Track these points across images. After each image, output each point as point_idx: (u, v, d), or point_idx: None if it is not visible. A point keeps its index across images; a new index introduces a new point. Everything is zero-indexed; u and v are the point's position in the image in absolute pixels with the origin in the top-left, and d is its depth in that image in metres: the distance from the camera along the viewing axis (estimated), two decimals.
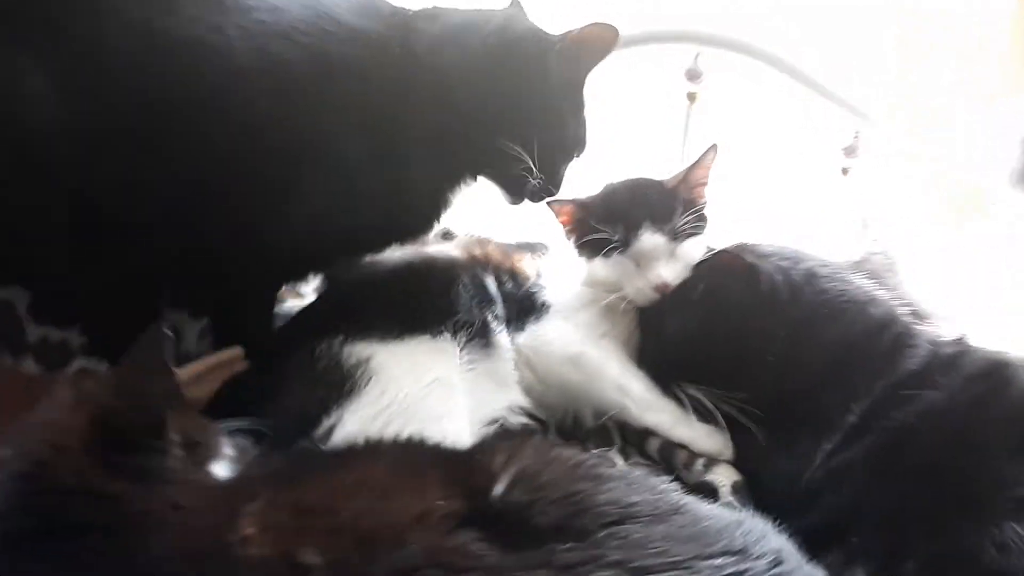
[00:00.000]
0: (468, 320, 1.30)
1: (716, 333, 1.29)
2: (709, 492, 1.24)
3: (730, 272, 1.27)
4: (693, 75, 1.64)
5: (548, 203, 1.39)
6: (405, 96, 1.24)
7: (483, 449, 0.95)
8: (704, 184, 1.42)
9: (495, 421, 1.29)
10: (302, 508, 0.84)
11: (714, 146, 1.41)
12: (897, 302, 1.31)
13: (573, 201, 1.41)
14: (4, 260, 1.26)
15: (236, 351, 1.32)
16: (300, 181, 1.22)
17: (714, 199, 1.43)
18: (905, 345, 1.22)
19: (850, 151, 1.55)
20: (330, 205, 1.24)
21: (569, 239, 1.42)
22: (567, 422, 1.39)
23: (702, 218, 1.40)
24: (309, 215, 1.23)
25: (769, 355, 1.25)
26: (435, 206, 1.34)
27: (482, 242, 1.49)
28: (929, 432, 1.12)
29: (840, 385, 1.21)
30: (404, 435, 1.14)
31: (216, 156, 1.18)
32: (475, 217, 1.64)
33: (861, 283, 1.32)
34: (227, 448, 0.97)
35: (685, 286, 1.34)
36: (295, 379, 1.21)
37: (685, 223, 1.35)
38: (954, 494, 1.06)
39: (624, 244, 1.35)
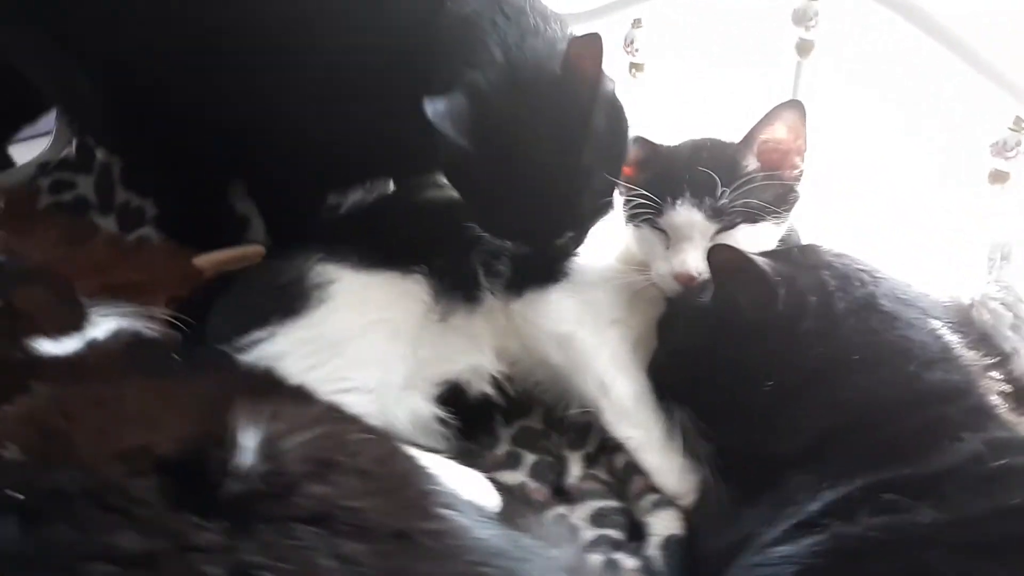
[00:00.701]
0: (452, 268, 1.17)
1: (713, 350, 1.01)
2: (643, 536, 1.01)
3: (736, 278, 0.97)
4: (801, 18, 1.23)
5: None
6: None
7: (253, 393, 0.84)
8: (782, 151, 1.09)
9: (450, 381, 1.16)
10: (62, 407, 0.83)
11: (795, 102, 1.07)
12: (994, 374, 0.91)
13: (641, 138, 1.16)
14: (108, 131, 1.41)
15: (258, 249, 1.35)
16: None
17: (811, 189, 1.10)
18: (947, 435, 0.84)
19: (1003, 148, 1.05)
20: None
21: (621, 192, 1.18)
22: (558, 408, 1.20)
23: (783, 198, 1.09)
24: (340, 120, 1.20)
25: (761, 395, 0.95)
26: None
27: None
28: (895, 564, 0.77)
29: (827, 460, 0.88)
30: (326, 369, 1.10)
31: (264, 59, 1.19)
32: None
33: (943, 334, 0.93)
34: (91, 328, 0.99)
35: (702, 284, 1.06)
36: (256, 283, 1.19)
37: (739, 199, 1.05)
38: None
39: (658, 213, 1.10)
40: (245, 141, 1.27)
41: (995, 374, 0.91)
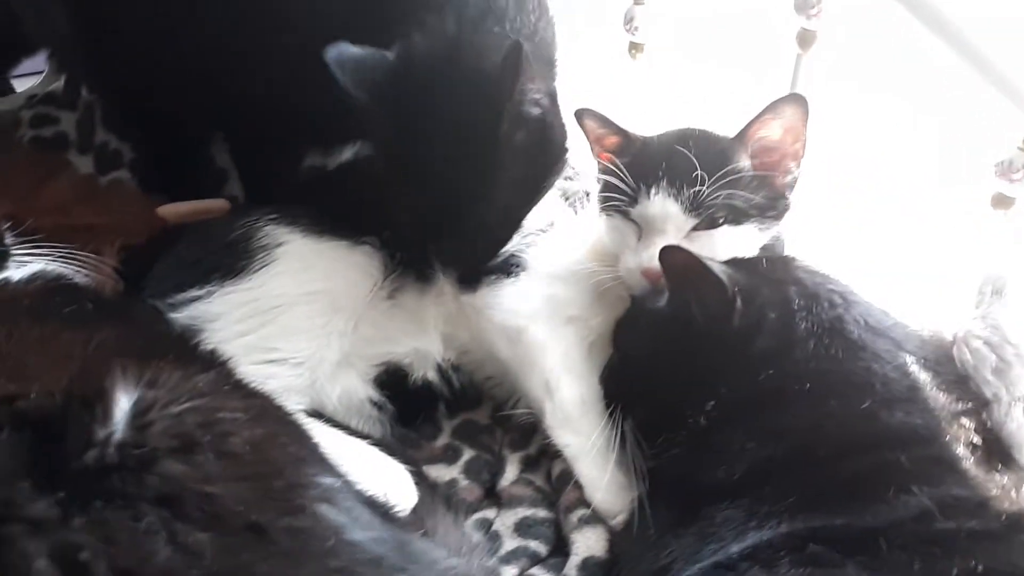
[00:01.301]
0: (405, 243, 1.10)
1: (659, 359, 0.92)
2: (563, 552, 0.93)
3: (691, 283, 0.88)
4: (803, 5, 1.07)
5: (580, 112, 1.06)
6: None
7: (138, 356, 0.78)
8: (777, 153, 0.98)
9: (391, 364, 1.09)
10: None
11: (798, 97, 0.96)
12: (965, 422, 0.81)
13: (611, 123, 1.05)
14: (88, 71, 1.37)
15: (223, 203, 1.30)
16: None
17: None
18: (895, 484, 0.75)
19: (1008, 170, 0.91)
20: None
21: (598, 179, 1.08)
22: (508, 404, 1.12)
23: (772, 204, 0.99)
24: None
25: (702, 415, 0.86)
26: None
27: None
28: None
29: (759, 494, 0.79)
30: (256, 336, 1.04)
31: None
32: None
33: (912, 371, 0.83)
34: (8, 269, 0.95)
35: (660, 288, 0.97)
36: (203, 238, 1.13)
37: (721, 195, 0.95)
38: None
39: (632, 202, 1.00)
40: (223, 91, 1.22)
41: (966, 422, 0.81)
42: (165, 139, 1.37)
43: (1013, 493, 0.77)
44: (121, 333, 0.87)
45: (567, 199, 1.19)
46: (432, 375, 1.10)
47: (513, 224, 1.07)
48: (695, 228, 0.97)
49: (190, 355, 0.87)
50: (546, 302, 1.07)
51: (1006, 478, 0.78)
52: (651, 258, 0.98)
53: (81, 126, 1.45)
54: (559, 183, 1.24)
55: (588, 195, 1.18)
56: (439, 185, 0.99)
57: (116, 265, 1.15)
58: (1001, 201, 0.94)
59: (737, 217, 0.97)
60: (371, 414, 1.07)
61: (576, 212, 1.17)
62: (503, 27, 1.01)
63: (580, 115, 1.06)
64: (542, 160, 1.04)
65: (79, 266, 1.03)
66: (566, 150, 1.07)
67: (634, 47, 1.26)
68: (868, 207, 1.16)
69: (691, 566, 0.79)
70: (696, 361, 0.88)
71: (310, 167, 1.30)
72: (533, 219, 1.14)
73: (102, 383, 0.73)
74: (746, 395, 0.84)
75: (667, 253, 0.88)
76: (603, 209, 1.05)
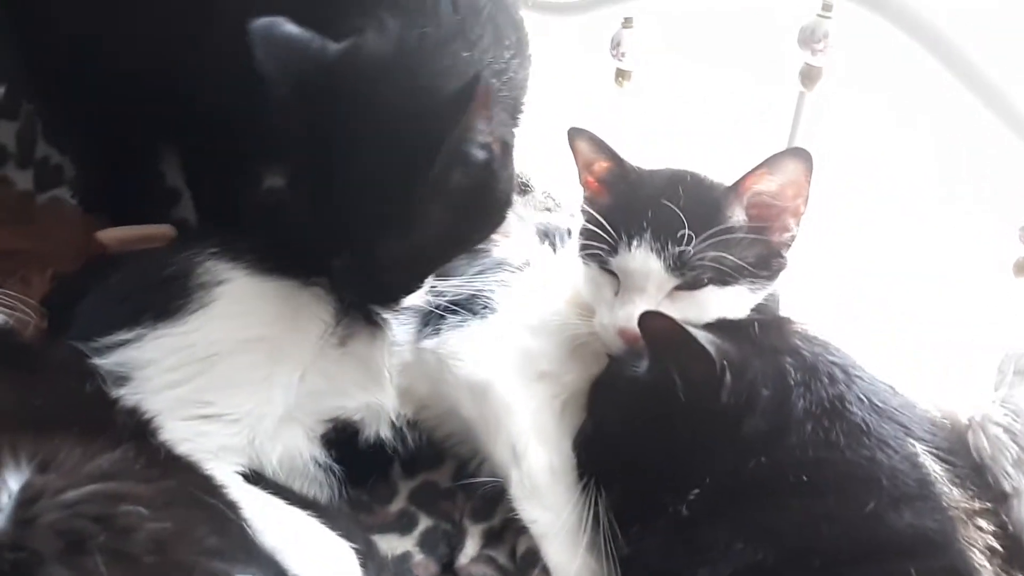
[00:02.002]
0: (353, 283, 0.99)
1: (637, 435, 0.82)
2: None
3: (675, 353, 0.78)
4: (809, 39, 0.94)
5: (573, 131, 0.96)
6: None
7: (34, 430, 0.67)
8: (775, 209, 0.88)
9: (342, 420, 0.98)
10: None
11: (802, 152, 0.86)
12: (982, 523, 0.71)
13: (604, 147, 0.94)
14: (29, 77, 1.27)
15: (168, 229, 1.19)
16: None
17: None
18: None
19: None
20: None
21: (582, 211, 0.97)
22: (472, 465, 1.02)
23: (766, 262, 0.89)
24: None
25: (684, 504, 0.76)
26: None
27: None
28: None
29: None
30: (188, 388, 0.93)
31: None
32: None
33: (923, 463, 0.73)
34: None
35: (640, 350, 0.86)
36: (137, 272, 1.02)
37: (710, 253, 0.85)
38: None
39: (611, 251, 0.90)
40: (176, 97, 1.11)
41: (983, 523, 0.72)
42: (111, 152, 1.26)
43: None
44: (23, 396, 0.76)
45: (546, 236, 1.09)
46: (386, 432, 1.00)
47: (421, 273, 0.96)
48: (678, 287, 0.88)
49: (101, 423, 0.76)
50: (516, 354, 0.97)
51: None
52: (628, 317, 0.88)
53: (21, 138, 1.34)
54: (540, 219, 1.15)
55: (569, 232, 1.09)
56: (351, 204, 0.88)
57: (44, 296, 1.05)
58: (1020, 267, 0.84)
59: (725, 278, 0.87)
60: (316, 476, 0.96)
61: (555, 251, 1.07)
62: (471, 55, 0.90)
63: (573, 135, 0.95)
64: (475, 210, 0.93)
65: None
66: (508, 206, 0.97)
67: (621, 74, 1.16)
68: (879, 259, 1.05)
69: None
70: (678, 440, 0.78)
71: (268, 189, 1.20)
72: (507, 256, 1.05)
73: None
74: (734, 485, 0.74)
75: (647, 319, 0.78)
76: (581, 255, 0.95)
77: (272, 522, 0.81)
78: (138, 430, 0.78)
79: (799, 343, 0.81)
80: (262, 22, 0.85)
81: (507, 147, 0.95)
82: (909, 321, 0.90)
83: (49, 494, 0.62)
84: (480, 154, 0.89)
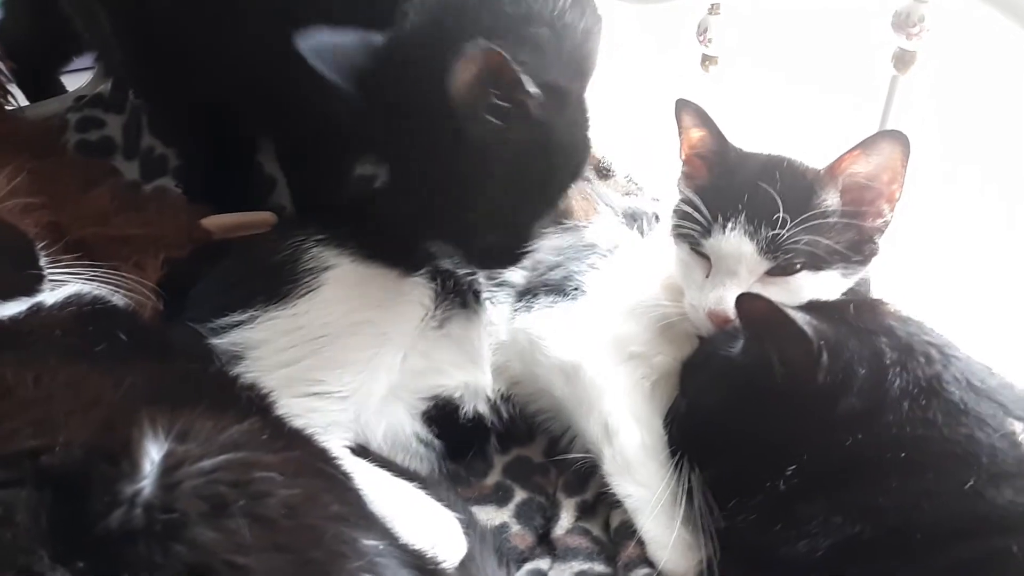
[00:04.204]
0: (454, 272, 1.03)
1: (734, 413, 0.84)
2: None
3: (772, 334, 0.79)
4: (904, 23, 0.93)
5: (681, 102, 0.97)
6: None
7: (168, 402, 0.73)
8: (877, 190, 0.89)
9: (441, 397, 1.02)
10: None
11: (898, 134, 0.86)
12: None
13: (709, 122, 0.96)
14: (132, 75, 1.33)
15: (268, 216, 1.25)
16: None
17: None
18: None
19: None
20: None
21: (678, 188, 1.00)
22: (563, 440, 1.05)
23: (858, 247, 0.90)
24: None
25: (781, 479, 0.78)
26: None
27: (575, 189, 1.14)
28: None
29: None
30: (299, 368, 0.99)
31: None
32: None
33: (1022, 441, 0.74)
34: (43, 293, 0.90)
35: (732, 331, 0.88)
36: (248, 258, 1.08)
37: (804, 237, 0.87)
38: None
39: (704, 233, 0.92)
40: (271, 92, 1.16)
41: None
42: (212, 144, 1.32)
43: None
44: (153, 373, 0.82)
45: (634, 220, 1.12)
46: (483, 408, 1.04)
47: (517, 227, 0.97)
48: (770, 272, 0.89)
49: (226, 399, 0.81)
50: (606, 335, 1.00)
51: None
52: (719, 300, 0.90)
53: (127, 130, 1.42)
54: (626, 203, 1.17)
55: (657, 217, 1.11)
56: (424, 186, 0.92)
57: (158, 280, 1.11)
58: None
59: (818, 263, 0.89)
60: (418, 450, 1.01)
61: (643, 235, 1.09)
62: (516, 9, 0.90)
63: (680, 106, 0.97)
64: (536, 164, 0.92)
65: (117, 286, 0.99)
66: (580, 153, 0.97)
67: (707, 59, 1.17)
68: (972, 244, 1.05)
69: None
70: (775, 419, 0.80)
71: (360, 177, 1.24)
72: (597, 239, 1.08)
73: (129, 435, 0.68)
74: (831, 462, 0.76)
75: (745, 300, 0.80)
76: (674, 235, 0.98)
77: (381, 492, 0.85)
78: (260, 405, 0.83)
79: (894, 323, 0.82)
80: (303, 39, 0.88)
81: (561, 95, 0.92)
82: (1001, 303, 0.90)
83: (190, 461, 0.67)
84: (500, 113, 0.87)
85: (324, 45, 0.89)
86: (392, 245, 1.04)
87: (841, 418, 0.77)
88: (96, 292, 0.96)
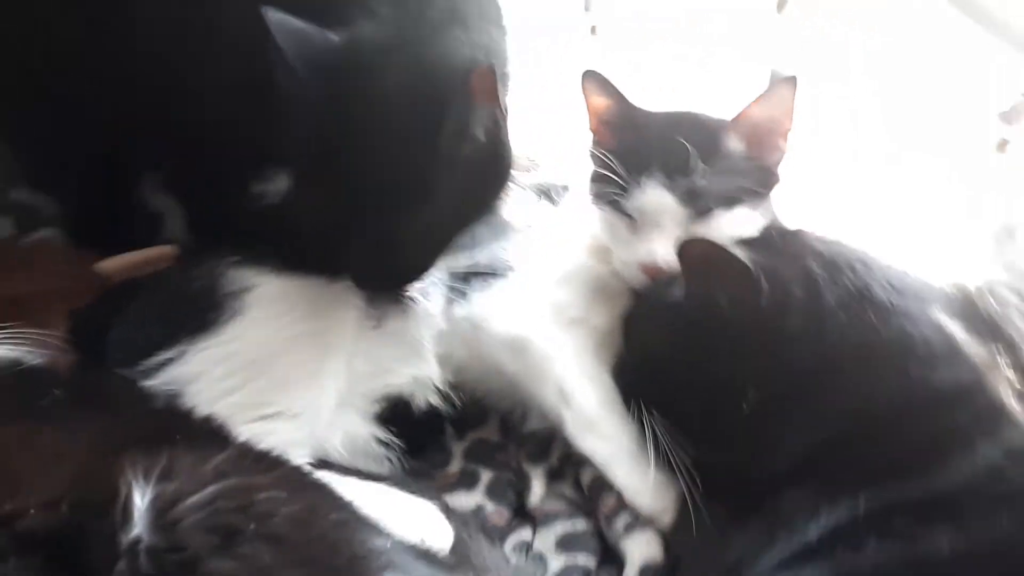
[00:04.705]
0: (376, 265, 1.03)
1: (686, 352, 0.89)
2: (617, 560, 0.90)
3: (712, 271, 0.84)
4: None
5: (586, 73, 1.00)
6: None
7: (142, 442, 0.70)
8: (774, 130, 0.96)
9: (391, 396, 1.02)
10: None
11: (791, 79, 0.94)
12: (1006, 371, 0.80)
13: (611, 89, 0.99)
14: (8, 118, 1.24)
15: (168, 249, 1.19)
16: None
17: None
18: (959, 444, 0.74)
19: (1014, 116, 0.93)
20: None
21: (591, 157, 1.03)
22: (514, 415, 1.07)
23: (763, 182, 0.96)
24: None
25: (744, 402, 0.83)
26: None
27: None
28: None
29: (824, 476, 0.77)
30: (245, 393, 0.96)
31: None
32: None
33: (946, 326, 0.82)
34: None
35: (671, 277, 0.93)
36: (162, 293, 1.04)
37: (717, 182, 0.93)
38: None
39: (625, 193, 0.96)
40: (161, 117, 1.11)
41: (1005, 368, 0.81)
42: (92, 184, 1.25)
43: None
44: (106, 423, 0.78)
45: (544, 193, 1.14)
46: (434, 399, 1.04)
47: (438, 247, 0.98)
48: (690, 219, 0.94)
49: (193, 433, 0.79)
50: (544, 306, 1.02)
51: None
52: (649, 253, 0.95)
53: None
54: (531, 179, 1.20)
55: (566, 188, 1.14)
56: (363, 188, 0.91)
57: (65, 336, 1.04)
58: (1004, 145, 0.93)
59: (732, 203, 0.95)
60: (378, 453, 1.00)
61: (555, 205, 1.12)
62: (467, 35, 0.94)
63: (585, 77, 1.00)
64: (485, 180, 0.97)
65: (28, 346, 0.93)
66: (510, 170, 1.01)
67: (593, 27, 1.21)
68: (869, 165, 1.13)
69: (767, 557, 0.76)
70: (727, 350, 0.85)
71: (258, 195, 1.21)
72: (513, 218, 1.10)
73: (111, 483, 0.65)
74: (787, 380, 0.82)
75: (688, 245, 0.84)
76: (594, 201, 1.01)
77: (357, 497, 0.85)
78: (226, 433, 0.81)
79: (817, 245, 0.89)
80: (276, 13, 0.87)
81: (505, 115, 0.98)
82: (905, 207, 0.99)
83: (182, 498, 0.65)
84: (484, 131, 0.92)
85: (291, 26, 0.88)
86: (314, 253, 1.02)
87: (788, 336, 0.82)
88: (10, 354, 0.90)
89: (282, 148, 1.14)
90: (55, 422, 0.76)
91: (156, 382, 0.94)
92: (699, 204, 0.93)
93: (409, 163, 0.89)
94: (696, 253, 0.84)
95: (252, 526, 0.63)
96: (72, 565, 0.62)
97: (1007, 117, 0.92)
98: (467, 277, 1.05)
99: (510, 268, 1.05)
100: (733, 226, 0.95)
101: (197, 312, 0.98)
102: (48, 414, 0.78)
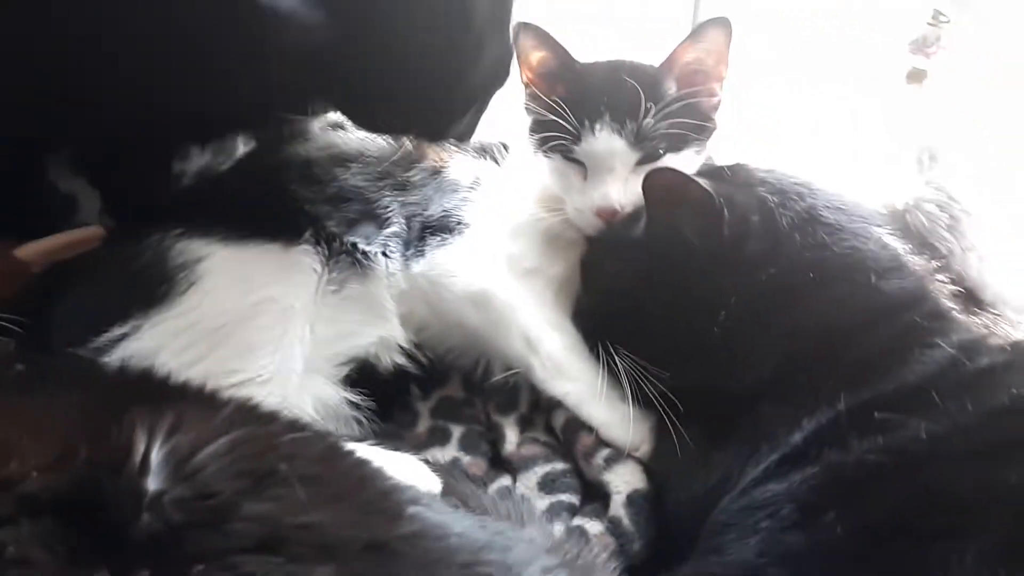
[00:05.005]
0: (338, 232, 1.02)
1: (652, 285, 0.93)
2: (601, 496, 0.92)
3: (676, 202, 0.89)
4: None
5: (522, 25, 1.01)
6: None
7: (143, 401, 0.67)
8: (707, 73, 1.01)
9: (357, 359, 1.01)
10: None
11: (721, 20, 0.99)
12: (940, 277, 0.89)
13: (551, 42, 1.02)
14: None
15: (96, 231, 1.13)
16: None
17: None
18: (917, 343, 0.81)
19: (921, 46, 1.04)
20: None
21: (527, 110, 1.06)
22: (477, 371, 1.08)
23: (702, 124, 1.01)
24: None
25: (715, 325, 0.88)
26: None
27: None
28: (900, 483, 0.72)
29: (798, 385, 0.83)
30: (211, 362, 0.93)
31: None
32: None
33: (888, 242, 0.90)
34: None
35: (629, 215, 0.97)
36: (105, 270, 0.99)
37: (662, 125, 0.97)
38: None
39: (575, 140, 0.99)
40: (73, 93, 1.05)
41: (942, 277, 0.89)
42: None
43: (998, 329, 0.85)
44: (87, 386, 0.74)
45: (484, 151, 1.16)
46: (400, 359, 1.03)
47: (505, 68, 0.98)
48: (640, 161, 0.99)
49: (181, 394, 0.76)
50: (502, 259, 1.04)
51: (985, 318, 0.87)
52: (603, 196, 0.98)
53: None
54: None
55: (505, 146, 1.16)
56: (425, 63, 0.90)
57: None
58: (916, 76, 1.02)
59: (678, 145, 0.99)
60: (349, 415, 0.99)
61: (498, 164, 1.14)
62: None
63: (520, 29, 1.01)
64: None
65: None
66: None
67: None
68: (790, 100, 1.21)
69: (751, 468, 0.81)
70: (694, 278, 0.89)
71: (199, 170, 1.17)
72: (459, 176, 1.11)
73: (121, 440, 0.62)
74: (753, 300, 0.87)
75: (653, 175, 0.89)
76: (542, 151, 1.03)
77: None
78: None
79: (764, 175, 0.94)
80: None
81: None
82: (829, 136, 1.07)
83: (200, 448, 0.63)
84: None
85: None
86: (265, 219, 1.00)
87: (750, 260, 0.88)
88: None
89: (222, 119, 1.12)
90: (29, 393, 0.71)
91: (112, 358, 0.90)
92: (647, 146, 0.98)
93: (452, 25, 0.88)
94: (661, 183, 0.88)
95: (283, 466, 0.62)
96: (89, 524, 0.59)
97: (916, 47, 1.01)
98: (423, 235, 1.05)
99: (466, 225, 1.06)
100: (681, 168, 0.99)
101: (147, 286, 0.95)
102: (19, 386, 0.73)
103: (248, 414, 0.69)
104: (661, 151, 0.98)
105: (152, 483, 0.60)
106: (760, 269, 0.87)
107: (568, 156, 1.00)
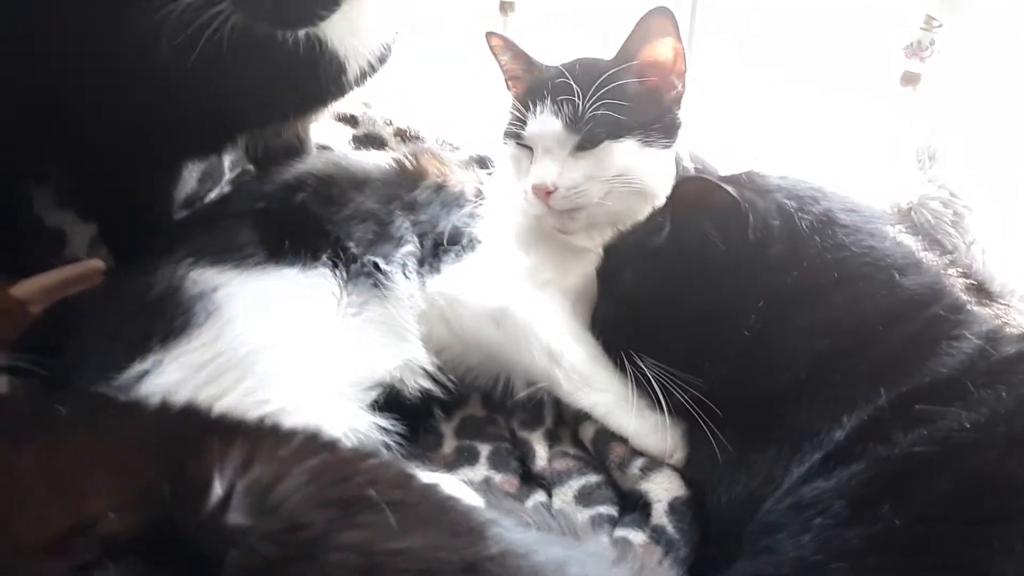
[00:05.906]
0: (358, 252, 1.01)
1: (679, 293, 0.94)
2: (640, 505, 0.93)
3: (704, 208, 0.90)
4: None
5: (487, 35, 1.13)
6: None
7: (211, 436, 0.66)
8: (660, 71, 1.05)
9: (383, 383, 1.00)
10: None
11: (661, 10, 1.02)
12: (952, 271, 0.92)
13: (514, 47, 1.12)
14: None
15: (95, 264, 1.10)
16: None
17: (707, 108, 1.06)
18: (944, 336, 0.83)
19: (916, 50, 1.09)
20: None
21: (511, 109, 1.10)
22: (497, 389, 1.08)
23: (658, 118, 1.05)
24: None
25: (745, 329, 0.89)
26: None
27: (419, 153, 1.17)
28: (950, 472, 0.75)
29: (834, 384, 0.85)
30: (237, 393, 0.91)
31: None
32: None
33: (902, 240, 0.93)
34: None
35: (647, 225, 0.99)
36: (117, 304, 0.96)
37: (604, 113, 1.01)
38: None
39: (523, 125, 1.05)
40: (61, 120, 1.02)
41: (953, 271, 0.92)
42: None
43: (1011, 318, 0.89)
44: (138, 423, 0.72)
45: (482, 164, 1.17)
46: (425, 381, 1.03)
47: None
48: (579, 147, 1.02)
49: (238, 429, 0.73)
50: (517, 273, 1.05)
51: (996, 308, 0.91)
52: (540, 175, 1.03)
53: None
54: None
55: (491, 163, 1.18)
56: None
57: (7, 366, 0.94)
58: (910, 79, 1.07)
59: (618, 132, 1.03)
60: (380, 440, 0.98)
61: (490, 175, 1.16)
62: None
63: (488, 37, 1.12)
64: None
65: None
66: None
67: (505, 6, 1.25)
68: (788, 107, 1.24)
69: (795, 467, 0.83)
70: (722, 283, 0.91)
71: (186, 197, 1.14)
72: (464, 190, 1.12)
73: (201, 475, 0.60)
74: (781, 302, 0.89)
75: (682, 185, 0.90)
76: (503, 137, 1.09)
77: None
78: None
79: (778, 182, 0.97)
80: None
81: None
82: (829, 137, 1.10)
83: (278, 481, 0.61)
84: None
85: None
86: (279, 243, 0.99)
87: (776, 263, 0.90)
88: None
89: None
90: (83, 432, 0.69)
91: (136, 395, 0.88)
92: (584, 130, 1.02)
93: None
94: (688, 189, 0.90)
95: (371, 491, 0.61)
96: (175, 563, 0.57)
97: (910, 51, 1.06)
98: (436, 252, 1.05)
99: (477, 239, 1.06)
100: (621, 159, 1.03)
101: (164, 319, 0.93)
102: (68, 428, 0.70)
103: (316, 442, 0.68)
104: (602, 136, 1.02)
105: (234, 517, 0.59)
106: (786, 272, 0.89)
107: (520, 142, 1.06)
